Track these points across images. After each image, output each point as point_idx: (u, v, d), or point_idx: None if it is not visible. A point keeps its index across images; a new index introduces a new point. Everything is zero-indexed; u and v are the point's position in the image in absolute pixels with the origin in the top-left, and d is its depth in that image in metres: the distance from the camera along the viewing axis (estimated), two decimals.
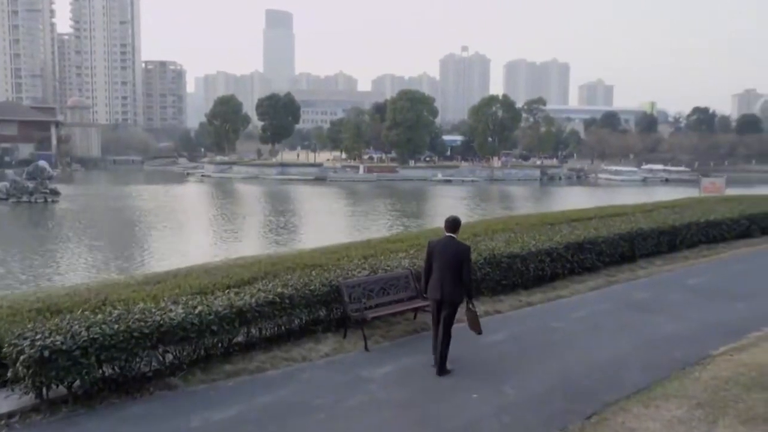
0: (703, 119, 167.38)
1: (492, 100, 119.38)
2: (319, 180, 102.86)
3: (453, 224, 8.72)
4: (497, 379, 8.41)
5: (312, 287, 9.64)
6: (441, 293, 8.37)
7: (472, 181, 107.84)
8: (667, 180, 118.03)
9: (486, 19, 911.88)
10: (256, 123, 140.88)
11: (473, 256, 12.19)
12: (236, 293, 9.12)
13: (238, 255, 19.89)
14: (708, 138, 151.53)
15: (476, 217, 53.09)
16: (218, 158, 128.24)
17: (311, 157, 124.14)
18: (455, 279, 8.32)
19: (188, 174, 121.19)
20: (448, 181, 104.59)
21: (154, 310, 8.01)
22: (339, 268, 11.00)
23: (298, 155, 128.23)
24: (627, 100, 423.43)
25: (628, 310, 12.00)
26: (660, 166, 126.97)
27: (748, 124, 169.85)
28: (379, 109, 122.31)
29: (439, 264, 8.44)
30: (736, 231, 20.61)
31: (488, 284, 12.60)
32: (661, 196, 74.40)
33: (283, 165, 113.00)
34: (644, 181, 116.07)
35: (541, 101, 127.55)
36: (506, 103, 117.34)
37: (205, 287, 9.81)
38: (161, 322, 7.73)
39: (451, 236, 8.65)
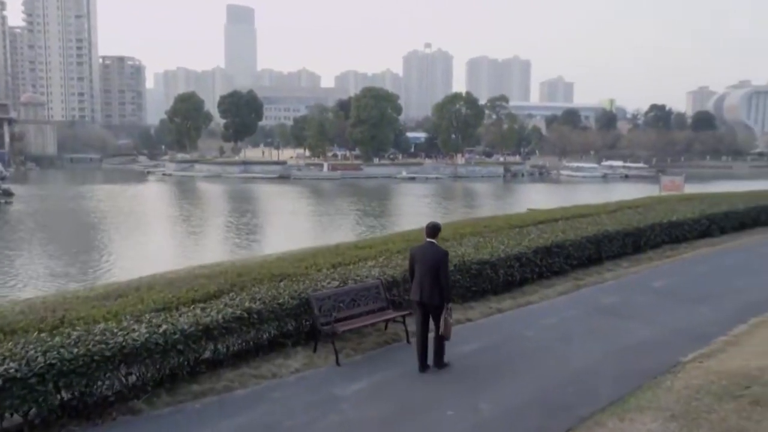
0: (660, 116, 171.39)
1: (455, 97, 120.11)
2: (283, 178, 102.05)
3: (433, 230, 9.20)
4: (472, 393, 8.28)
5: (281, 301, 9.37)
6: (420, 295, 8.89)
7: (437, 178, 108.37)
8: (626, 176, 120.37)
9: (448, 15, 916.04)
10: (218, 120, 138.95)
11: None
12: (202, 309, 8.80)
13: (201, 261, 19.41)
14: (665, 135, 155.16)
15: (440, 217, 53.26)
16: (180, 156, 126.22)
17: (275, 155, 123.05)
18: (434, 282, 8.75)
19: (149, 172, 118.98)
20: (413, 179, 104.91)
21: (115, 331, 7.65)
22: (308, 278, 10.75)
23: (263, 152, 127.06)
24: (587, 97, 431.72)
25: (597, 316, 12.04)
26: (620, 163, 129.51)
27: (703, 121, 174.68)
28: (343, 106, 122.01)
29: (420, 268, 8.95)
30: (697, 231, 20.99)
31: (458, 291, 12.49)
32: (621, 193, 76.05)
33: (246, 163, 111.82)
34: (605, 178, 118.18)
35: (504, 99, 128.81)
36: (469, 100, 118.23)
37: (169, 302, 9.45)
38: (124, 343, 7.38)
39: (431, 241, 9.11)
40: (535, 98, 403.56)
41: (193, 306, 9.08)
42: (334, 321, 9.46)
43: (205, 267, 14.95)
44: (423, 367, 8.96)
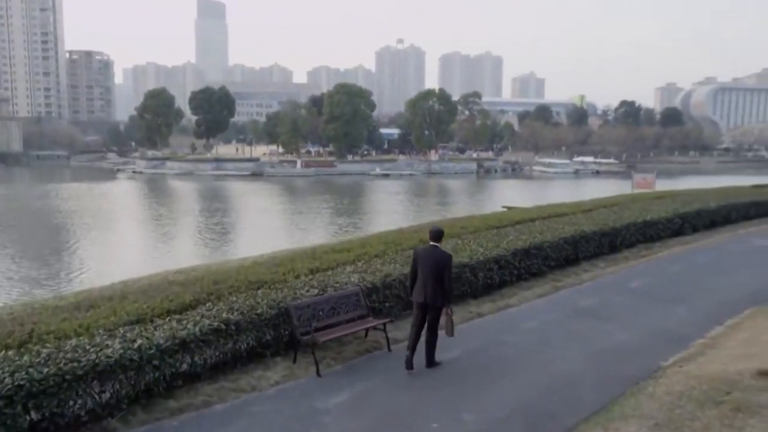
0: (630, 112, 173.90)
1: (429, 93, 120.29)
2: (256, 175, 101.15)
3: (437, 234, 9.48)
4: (455, 404, 8.18)
5: (259, 311, 9.16)
6: (424, 297, 9.16)
7: (410, 174, 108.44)
8: (597, 172, 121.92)
9: (421, 11, 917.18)
10: (190, 117, 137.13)
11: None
12: (178, 321, 8.54)
13: (174, 264, 19.11)
14: (635, 130, 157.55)
15: (414, 215, 53.27)
16: (150, 153, 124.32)
17: (247, 152, 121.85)
18: (437, 284, 9.07)
19: (118, 170, 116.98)
20: (386, 175, 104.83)
21: (88, 347, 7.36)
22: (286, 286, 10.52)
23: (237, 149, 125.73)
24: (558, 93, 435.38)
25: (576, 319, 12.05)
26: (591, 159, 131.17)
27: (671, 117, 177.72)
28: (316, 102, 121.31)
29: (423, 270, 9.22)
30: (670, 230, 21.25)
31: None
32: (593, 189, 76.92)
33: (218, 160, 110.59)
34: (576, 174, 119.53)
35: (477, 95, 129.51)
36: (443, 96, 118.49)
37: (144, 313, 9.14)
38: (97, 361, 7.11)
39: (434, 245, 9.39)
40: (507, 94, 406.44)
41: (168, 318, 8.81)
42: (314, 331, 9.27)
43: (179, 272, 14.67)
44: (410, 365, 9.20)
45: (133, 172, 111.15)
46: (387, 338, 10.15)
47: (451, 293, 9.24)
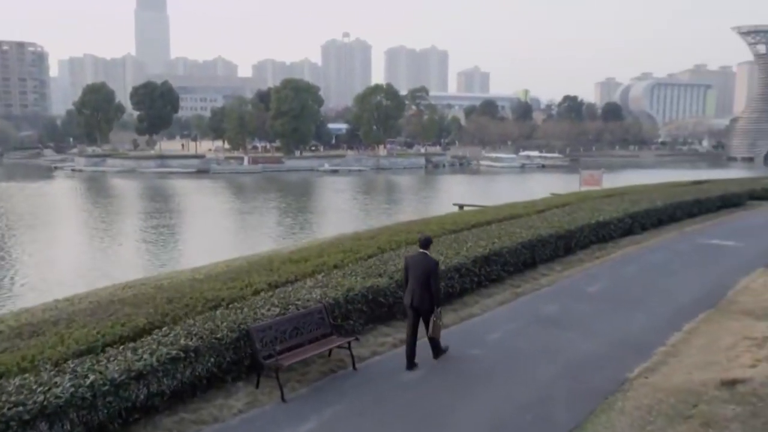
0: (573, 107, 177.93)
1: (377, 89, 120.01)
2: (202, 172, 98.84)
3: (425, 242, 10.14)
4: (428, 427, 7.95)
5: (219, 335, 8.70)
6: (412, 300, 9.77)
7: (359, 170, 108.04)
8: (543, 166, 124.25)
9: (367, 4, 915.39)
10: (131, 112, 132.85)
11: (385, 282, 11.82)
12: (133, 350, 8.02)
13: (119, 275, 18.26)
14: (578, 125, 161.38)
15: (362, 214, 52.96)
16: (90, 150, 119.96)
17: (192, 147, 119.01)
18: (425, 289, 9.65)
19: (56, 168, 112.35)
20: (335, 172, 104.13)
21: (34, 387, 6.79)
22: (246, 304, 10.07)
23: (182, 145, 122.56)
24: (502, 87, 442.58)
25: (539, 328, 12.02)
26: (536, 153, 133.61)
27: (612, 112, 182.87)
28: (263, 97, 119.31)
29: (412, 275, 9.84)
30: (621, 229, 21.68)
31: (400, 308, 12.15)
32: (541, 184, 78.23)
33: (162, 157, 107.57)
34: (523, 168, 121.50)
35: (424, 90, 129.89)
36: (390, 92, 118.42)
37: (94, 341, 8.57)
38: (45, 402, 6.56)
39: (423, 252, 9.98)
40: (452, 88, 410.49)
41: (121, 346, 8.28)
42: (278, 354, 8.89)
43: (127, 286, 14.00)
44: (411, 365, 9.79)
45: (72, 170, 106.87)
46: (352, 356, 9.85)
47: (438, 296, 9.82)
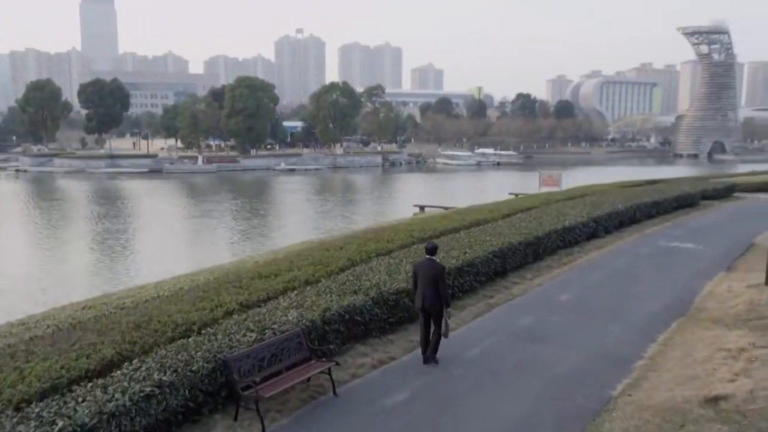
0: (526, 104, 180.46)
1: (332, 87, 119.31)
2: (155, 172, 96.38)
3: (432, 249, 10.96)
4: None
5: (195, 367, 8.23)
6: (423, 302, 10.57)
7: (316, 169, 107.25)
8: (498, 163, 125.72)
9: (320, 0, 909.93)
10: (79, 109, 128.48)
11: (361, 300, 11.51)
12: (103, 388, 7.49)
13: (74, 290, 17.38)
14: (531, 122, 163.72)
15: (320, 218, 52.37)
16: (36, 149, 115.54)
17: (144, 146, 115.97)
18: (434, 292, 10.46)
19: None
20: (292, 171, 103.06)
21: None
22: (219, 330, 9.60)
23: (133, 144, 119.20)
24: (456, 84, 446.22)
25: (517, 342, 11.89)
26: (491, 150, 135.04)
27: (564, 109, 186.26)
28: (216, 95, 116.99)
29: (421, 280, 10.64)
30: (586, 233, 21.90)
31: (376, 324, 11.88)
32: (498, 183, 78.92)
33: (113, 157, 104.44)
34: (478, 165, 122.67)
35: (381, 88, 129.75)
36: (346, 90, 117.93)
37: (58, 377, 7.97)
38: None
39: (430, 258, 10.80)
40: (407, 85, 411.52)
41: (89, 382, 7.73)
42: (257, 383, 8.47)
43: (87, 306, 13.26)
44: (427, 361, 10.71)
45: (16, 170, 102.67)
46: (332, 382, 9.51)
47: (447, 298, 10.55)
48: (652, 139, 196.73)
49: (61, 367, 8.28)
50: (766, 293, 14.59)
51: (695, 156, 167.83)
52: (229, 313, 10.95)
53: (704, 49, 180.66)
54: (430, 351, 10.70)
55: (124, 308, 12.38)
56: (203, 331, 9.67)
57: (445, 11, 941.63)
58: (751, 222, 27.62)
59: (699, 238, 23.51)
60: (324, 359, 9.74)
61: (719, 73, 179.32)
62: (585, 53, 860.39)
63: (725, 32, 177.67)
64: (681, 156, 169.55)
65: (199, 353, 8.58)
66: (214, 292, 12.28)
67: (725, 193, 37.97)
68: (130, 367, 8.13)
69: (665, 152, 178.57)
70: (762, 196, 40.10)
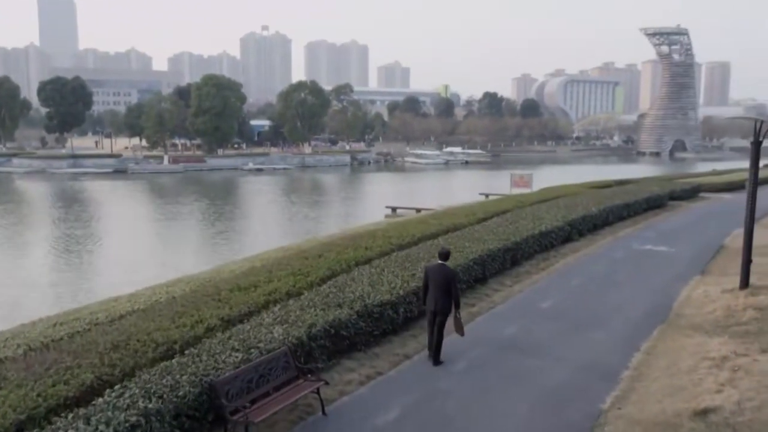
0: (493, 103, 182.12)
1: (300, 85, 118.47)
2: (119, 173, 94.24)
3: (445, 255, 11.45)
4: None
5: (181, 392, 7.92)
6: (435, 306, 11.05)
7: (285, 169, 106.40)
8: (467, 162, 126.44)
9: None
10: (38, 107, 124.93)
11: (346, 314, 11.30)
12: (85, 419, 7.13)
13: (40, 303, 16.68)
14: (498, 121, 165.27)
15: (288, 223, 51.75)
16: None
17: (107, 145, 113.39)
18: (446, 295, 11.01)
19: None
20: (260, 170, 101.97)
21: None
22: (203, 350, 9.26)
23: (96, 143, 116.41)
24: (422, 82, 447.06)
25: (503, 354, 11.82)
26: (459, 149, 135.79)
27: (530, 108, 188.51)
28: (182, 93, 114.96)
29: (433, 284, 11.10)
30: (561, 237, 22.04)
31: (361, 338, 11.68)
32: (466, 180, 79.10)
33: (75, 156, 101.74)
34: (447, 164, 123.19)
35: (349, 87, 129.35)
36: (314, 89, 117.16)
37: (35, 407, 7.53)
38: None
39: (442, 263, 11.26)
40: (373, 83, 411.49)
41: (70, 413, 7.35)
42: (246, 408, 8.19)
43: (59, 323, 12.70)
44: (437, 362, 11.19)
45: None
46: (321, 401, 9.28)
47: (458, 300, 11.21)
48: (616, 138, 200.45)
49: (38, 395, 7.88)
50: (741, 298, 14.83)
51: (657, 154, 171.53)
52: (210, 330, 10.64)
53: (665, 49, 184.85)
54: (434, 354, 11.16)
55: (98, 324, 11.96)
56: (186, 352, 9.33)
57: (411, 9, 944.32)
58: (718, 222, 28.22)
59: (671, 240, 23.87)
60: (311, 376, 9.52)
61: (680, 73, 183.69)
62: (549, 52, 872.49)
63: (685, 33, 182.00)
64: (644, 154, 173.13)
65: (185, 377, 8.26)
66: (192, 307, 11.92)
67: (691, 193, 38.80)
68: (113, 394, 7.77)
69: (629, 150, 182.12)
70: (725, 196, 41.12)
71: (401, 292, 12.74)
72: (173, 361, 8.91)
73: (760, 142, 14.77)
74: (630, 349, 12.05)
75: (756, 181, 15.06)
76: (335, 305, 11.62)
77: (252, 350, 9.33)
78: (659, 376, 10.77)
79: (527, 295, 16.03)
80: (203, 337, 10.33)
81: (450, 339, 12.55)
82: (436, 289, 11.01)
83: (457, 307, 11.20)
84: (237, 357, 9.03)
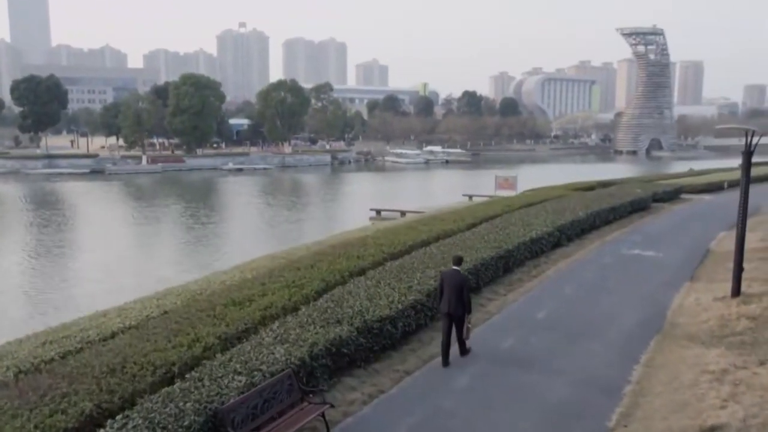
0: (472, 102, 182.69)
1: (280, 84, 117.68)
2: (96, 173, 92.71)
3: (458, 261, 12.34)
4: None
5: (186, 422, 7.69)
6: (449, 307, 11.78)
7: (265, 168, 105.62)
8: (447, 161, 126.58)
9: None
10: (10, 105, 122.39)
11: (347, 331, 11.12)
12: None
13: (21, 320, 16.07)
14: (477, 120, 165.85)
15: (276, 225, 51.27)
16: None
17: (82, 144, 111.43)
18: (458, 299, 11.76)
19: None
20: (240, 170, 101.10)
21: None
22: (204, 374, 9.02)
23: (72, 142, 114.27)
24: (401, 80, 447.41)
25: (503, 369, 11.74)
26: (439, 148, 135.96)
27: (509, 107, 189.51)
28: (159, 92, 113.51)
29: (447, 288, 11.86)
30: (551, 243, 22.07)
31: (361, 354, 11.52)
32: (447, 180, 79.07)
33: (50, 156, 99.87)
34: (427, 164, 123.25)
35: (329, 86, 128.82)
36: (294, 88, 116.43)
37: None
38: None
39: (456, 269, 12.11)
40: (351, 81, 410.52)
41: None
42: None
43: (49, 341, 12.31)
44: (446, 362, 11.76)
45: None
46: (327, 425, 9.11)
47: (469, 305, 11.92)
48: (593, 136, 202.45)
49: (35, 427, 7.61)
50: (734, 307, 14.93)
51: (634, 153, 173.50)
52: (208, 349, 10.40)
53: (641, 49, 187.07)
54: (459, 349, 12.05)
55: (90, 342, 11.66)
56: (187, 375, 9.10)
57: (389, 6, 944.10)
58: (702, 225, 28.54)
59: (657, 244, 24.03)
60: (314, 397, 9.35)
61: (656, 72, 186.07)
62: (526, 51, 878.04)
63: (660, 33, 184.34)
64: (621, 153, 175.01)
65: (188, 404, 8.03)
66: (187, 324, 11.64)
67: (673, 195, 39.24)
68: (115, 425, 7.52)
69: (606, 149, 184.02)
70: (706, 197, 41.68)
71: (400, 306, 12.59)
72: (175, 387, 8.66)
73: (752, 153, 14.86)
74: (628, 361, 12.05)
75: (747, 191, 15.16)
76: (335, 322, 11.44)
77: (255, 373, 9.12)
78: (662, 390, 10.76)
79: (522, 304, 15.98)
80: (201, 357, 10.09)
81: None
82: (450, 292, 11.75)
83: (469, 311, 11.86)
84: (240, 381, 8.81)
